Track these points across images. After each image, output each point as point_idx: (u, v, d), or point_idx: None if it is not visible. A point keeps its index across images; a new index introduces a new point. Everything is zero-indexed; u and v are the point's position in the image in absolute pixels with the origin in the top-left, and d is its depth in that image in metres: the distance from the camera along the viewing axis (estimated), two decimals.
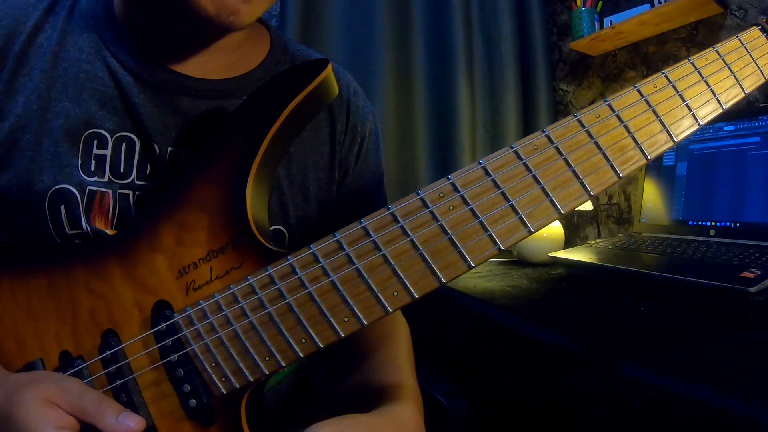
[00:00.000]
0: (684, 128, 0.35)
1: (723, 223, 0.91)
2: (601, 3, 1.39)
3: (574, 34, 1.38)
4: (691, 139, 1.01)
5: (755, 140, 0.89)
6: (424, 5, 1.32)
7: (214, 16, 0.41)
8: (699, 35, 1.23)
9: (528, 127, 1.50)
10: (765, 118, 0.89)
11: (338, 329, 0.34)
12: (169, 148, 0.47)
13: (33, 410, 0.34)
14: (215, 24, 0.41)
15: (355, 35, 1.23)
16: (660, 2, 1.20)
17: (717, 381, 0.44)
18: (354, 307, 0.34)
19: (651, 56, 1.33)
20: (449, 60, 1.34)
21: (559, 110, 1.57)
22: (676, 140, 0.35)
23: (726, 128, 0.95)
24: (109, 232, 0.45)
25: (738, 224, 0.88)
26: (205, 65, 0.49)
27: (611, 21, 1.31)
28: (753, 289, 0.60)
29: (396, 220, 0.33)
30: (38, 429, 0.33)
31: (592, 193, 0.33)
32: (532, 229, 0.33)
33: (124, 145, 0.46)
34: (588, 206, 1.36)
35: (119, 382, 0.39)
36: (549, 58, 1.54)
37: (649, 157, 0.34)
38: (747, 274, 0.63)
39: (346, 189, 0.59)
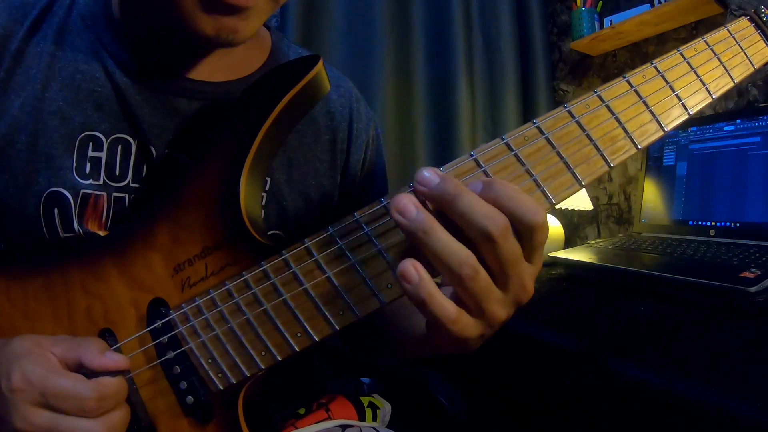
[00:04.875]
0: (674, 117, 0.35)
1: (723, 223, 0.91)
2: (601, 3, 1.39)
3: (574, 34, 1.38)
4: (691, 139, 1.01)
5: (755, 140, 0.89)
6: (424, 5, 1.32)
7: (213, 37, 0.40)
8: (699, 35, 1.23)
9: None
10: (765, 118, 0.89)
11: (333, 322, 0.34)
12: (166, 151, 0.47)
13: (24, 345, 0.36)
14: (214, 43, 0.41)
15: (355, 35, 1.23)
16: (660, 2, 1.20)
17: (717, 381, 0.44)
18: (349, 300, 0.33)
19: (651, 56, 1.32)
20: (449, 60, 1.34)
21: None
22: (666, 129, 0.35)
23: (726, 128, 0.95)
24: (102, 233, 0.45)
25: (738, 224, 0.88)
26: (204, 67, 0.49)
27: (611, 21, 1.31)
28: (753, 289, 0.60)
29: (389, 213, 0.33)
30: (24, 355, 0.35)
31: (583, 183, 0.33)
32: None
33: (119, 147, 0.46)
34: (588, 206, 1.35)
35: None
36: (549, 58, 1.54)
37: (639, 147, 0.34)
38: (747, 274, 0.63)
39: (353, 196, 0.59)
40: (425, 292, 0.30)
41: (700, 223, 0.95)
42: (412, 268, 0.30)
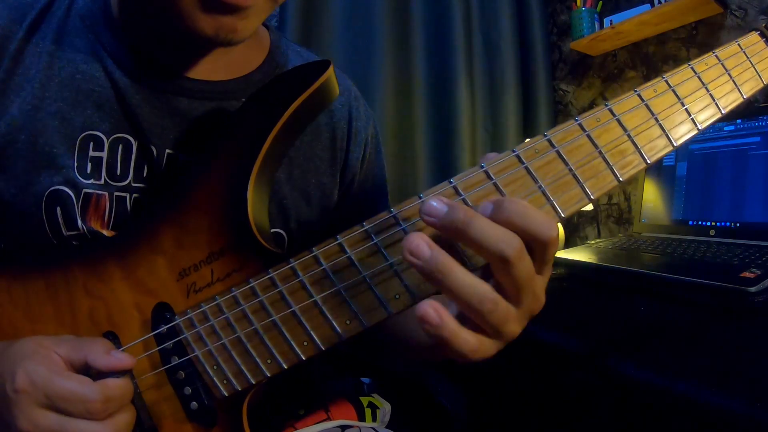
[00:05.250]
0: (683, 133, 0.35)
1: (723, 223, 0.91)
2: (601, 3, 1.39)
3: (574, 34, 1.38)
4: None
5: (755, 140, 0.89)
6: (424, 5, 1.32)
7: (212, 37, 0.40)
8: (699, 35, 1.23)
9: (528, 127, 1.50)
10: (765, 118, 0.89)
11: (340, 331, 0.34)
12: (167, 150, 0.47)
13: (27, 346, 0.36)
14: (214, 43, 0.41)
15: (355, 35, 1.23)
16: (660, 2, 1.20)
17: (717, 381, 0.44)
18: (356, 309, 0.33)
19: (651, 56, 1.33)
20: (449, 60, 1.34)
21: (559, 110, 1.57)
22: (675, 144, 0.35)
23: (726, 128, 0.95)
24: (106, 233, 0.45)
25: (738, 224, 0.88)
26: (204, 66, 0.49)
27: (611, 21, 1.31)
28: (753, 289, 0.60)
29: (398, 223, 0.33)
30: (28, 356, 0.35)
31: (592, 197, 0.33)
32: None
33: (120, 147, 0.46)
34: (588, 206, 1.35)
35: None
36: (549, 58, 1.54)
37: (648, 162, 0.34)
38: (747, 274, 0.63)
39: (352, 194, 0.59)
40: (448, 331, 0.29)
41: (700, 223, 0.95)
42: (432, 310, 0.29)
